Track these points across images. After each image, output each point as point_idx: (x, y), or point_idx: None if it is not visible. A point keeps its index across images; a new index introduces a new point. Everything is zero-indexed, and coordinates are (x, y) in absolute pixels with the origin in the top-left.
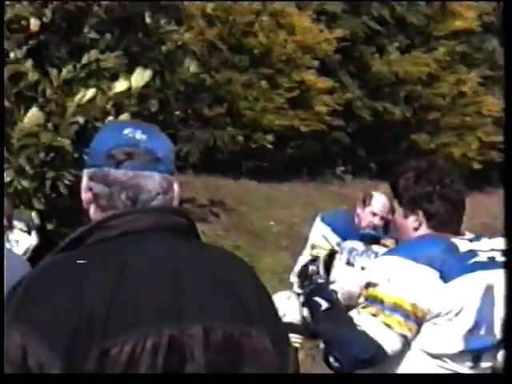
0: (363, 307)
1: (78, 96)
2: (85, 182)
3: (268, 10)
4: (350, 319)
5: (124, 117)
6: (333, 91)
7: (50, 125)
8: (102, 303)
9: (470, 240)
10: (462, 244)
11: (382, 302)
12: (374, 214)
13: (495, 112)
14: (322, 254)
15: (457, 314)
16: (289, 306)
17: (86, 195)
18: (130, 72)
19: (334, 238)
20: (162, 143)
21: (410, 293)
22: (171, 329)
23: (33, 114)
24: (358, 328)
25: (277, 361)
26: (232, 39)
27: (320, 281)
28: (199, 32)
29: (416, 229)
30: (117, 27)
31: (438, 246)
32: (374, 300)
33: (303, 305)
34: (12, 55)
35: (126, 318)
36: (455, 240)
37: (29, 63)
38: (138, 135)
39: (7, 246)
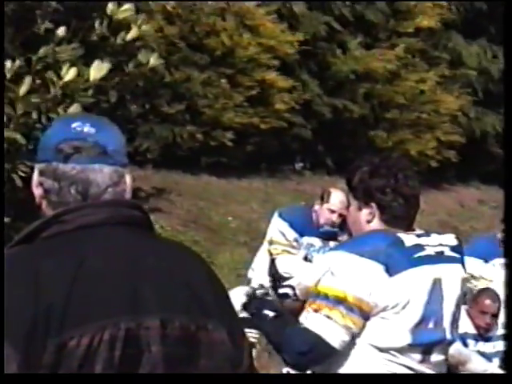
0: (309, 304)
1: (23, 88)
2: (35, 177)
3: (232, 10)
4: (294, 321)
5: (74, 108)
6: (292, 90)
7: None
8: (59, 297)
9: (418, 235)
10: (408, 238)
11: (325, 296)
12: (332, 211)
13: (453, 111)
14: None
15: (403, 308)
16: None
17: (37, 190)
18: (87, 64)
19: (292, 234)
20: (111, 136)
21: (353, 286)
22: (128, 321)
23: None
24: (300, 326)
25: (233, 353)
26: (193, 37)
27: (267, 298)
28: (158, 29)
29: (369, 221)
30: (73, 18)
31: (383, 241)
32: (317, 295)
33: (252, 315)
34: None
35: (83, 311)
36: (401, 235)
37: None
38: (87, 128)
39: None
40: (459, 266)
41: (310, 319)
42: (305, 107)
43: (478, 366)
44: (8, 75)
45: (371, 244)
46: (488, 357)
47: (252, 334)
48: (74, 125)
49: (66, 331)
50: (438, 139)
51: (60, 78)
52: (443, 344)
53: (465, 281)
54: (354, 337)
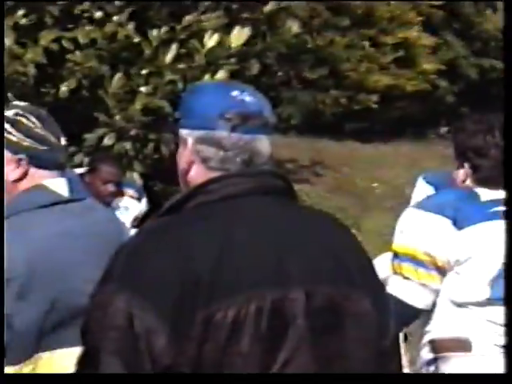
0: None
1: (170, 55)
2: (190, 144)
3: None
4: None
5: (221, 75)
6: (437, 49)
7: (149, 87)
8: (206, 267)
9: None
10: (486, 193)
11: (396, 254)
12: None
13: None
14: None
15: (477, 261)
16: None
17: (190, 157)
18: (229, 33)
19: None
20: (266, 105)
21: (420, 241)
22: (274, 293)
23: (119, 78)
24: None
25: (377, 322)
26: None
27: None
28: None
29: (463, 181)
30: None
31: (453, 195)
32: (393, 256)
33: None
34: (115, 19)
35: (229, 282)
36: (478, 189)
37: (131, 26)
38: (247, 98)
39: (118, 212)
40: None
41: (390, 283)
42: (450, 69)
43: None
44: (154, 43)
45: (439, 199)
46: None
47: None
48: (233, 93)
49: (214, 303)
50: None
51: (203, 46)
52: None
53: None
54: (435, 293)
